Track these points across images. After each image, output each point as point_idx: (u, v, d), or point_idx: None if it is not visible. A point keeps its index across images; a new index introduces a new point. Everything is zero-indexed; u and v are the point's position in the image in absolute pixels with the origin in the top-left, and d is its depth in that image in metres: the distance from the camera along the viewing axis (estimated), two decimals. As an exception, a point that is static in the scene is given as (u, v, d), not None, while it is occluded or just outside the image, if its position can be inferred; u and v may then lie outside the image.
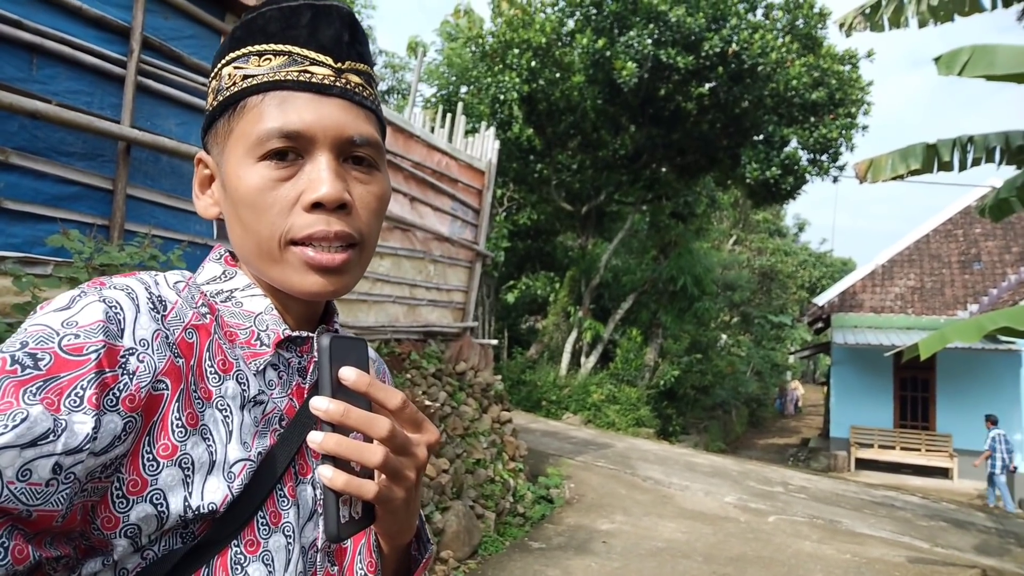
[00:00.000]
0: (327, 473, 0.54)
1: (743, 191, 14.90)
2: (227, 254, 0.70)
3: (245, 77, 0.63)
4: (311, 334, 0.68)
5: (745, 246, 25.71)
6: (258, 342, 0.66)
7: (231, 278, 0.68)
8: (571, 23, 12.42)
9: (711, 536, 6.35)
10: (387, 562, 0.72)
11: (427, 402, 5.48)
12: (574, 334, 14.83)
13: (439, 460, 5.48)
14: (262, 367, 0.65)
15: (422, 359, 6.25)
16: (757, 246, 25.84)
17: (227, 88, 0.64)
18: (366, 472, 0.57)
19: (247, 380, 0.63)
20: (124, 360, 0.54)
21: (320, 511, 0.66)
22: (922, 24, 5.72)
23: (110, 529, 0.53)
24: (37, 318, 0.55)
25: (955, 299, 13.92)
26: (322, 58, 0.63)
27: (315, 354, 0.68)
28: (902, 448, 13.57)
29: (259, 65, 0.63)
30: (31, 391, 0.49)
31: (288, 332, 0.67)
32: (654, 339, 15.55)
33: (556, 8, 12.44)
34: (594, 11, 11.82)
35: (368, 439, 0.57)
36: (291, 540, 0.63)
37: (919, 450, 13.44)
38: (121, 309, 0.56)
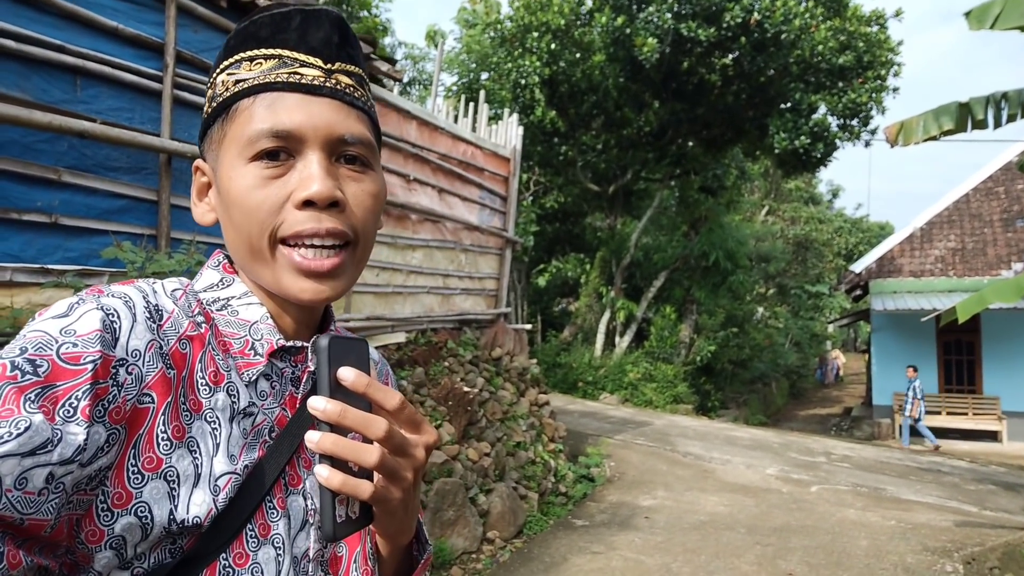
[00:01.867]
0: (324, 472, 0.54)
1: (772, 161, 14.68)
2: (225, 261, 0.70)
3: (237, 82, 0.64)
4: (305, 344, 0.68)
5: (778, 216, 25.30)
6: (252, 351, 0.65)
7: (228, 285, 0.68)
8: (589, 2, 12.32)
9: (753, 508, 6.39)
10: (386, 564, 0.72)
11: (465, 388, 5.61)
12: (607, 314, 14.85)
13: (480, 444, 5.62)
14: (255, 377, 0.65)
15: (458, 347, 6.38)
16: (790, 215, 25.39)
17: (220, 95, 0.65)
18: (364, 473, 0.57)
19: (238, 392, 0.63)
20: (115, 371, 0.54)
21: (312, 521, 0.66)
22: None
23: (95, 542, 0.53)
24: (36, 324, 0.55)
25: (998, 259, 13.54)
26: (312, 60, 0.64)
27: (310, 363, 0.67)
28: (948, 413, 13.32)
29: (250, 69, 0.64)
30: (30, 398, 0.49)
31: (282, 342, 0.66)
32: (688, 315, 15.48)
33: (573, -12, 12.35)
34: (611, -12, 11.72)
35: (366, 439, 0.57)
36: (281, 552, 0.63)
37: (966, 414, 13.19)
38: (118, 318, 0.56)
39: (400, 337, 5.78)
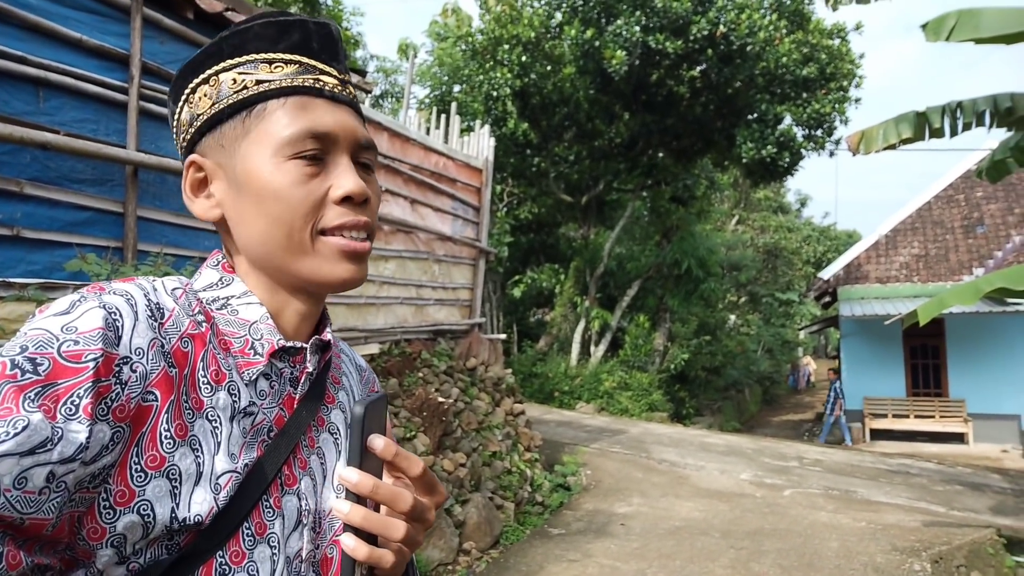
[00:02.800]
0: (350, 543, 0.58)
1: (741, 171, 14.95)
2: (224, 260, 0.70)
3: (258, 82, 0.66)
4: (304, 345, 0.69)
5: (748, 225, 25.70)
6: (252, 351, 0.66)
7: (228, 285, 0.68)
8: (559, 15, 12.48)
9: (728, 513, 6.45)
10: None
11: (440, 398, 5.59)
12: (582, 324, 14.93)
13: (456, 455, 5.60)
14: (255, 377, 0.65)
15: (432, 357, 6.37)
16: (760, 224, 25.81)
17: (235, 92, 0.66)
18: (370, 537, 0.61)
19: (238, 391, 0.64)
20: (118, 369, 0.54)
21: (305, 522, 0.67)
22: None
23: (96, 540, 0.53)
24: (37, 322, 0.55)
25: (960, 264, 13.91)
26: (329, 69, 0.69)
27: (308, 364, 0.69)
28: (916, 416, 13.60)
29: (271, 72, 0.66)
30: (30, 397, 0.49)
31: (282, 342, 0.67)
32: (662, 324, 15.62)
33: (543, 2, 12.50)
34: (580, 2, 11.88)
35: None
36: (276, 550, 0.63)
37: (933, 417, 13.47)
38: (120, 316, 0.56)
39: (374, 348, 5.75)
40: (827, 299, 15.84)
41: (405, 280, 6.24)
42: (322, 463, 0.71)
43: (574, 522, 6.13)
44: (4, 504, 0.46)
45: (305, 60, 0.67)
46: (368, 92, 5.48)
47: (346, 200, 0.66)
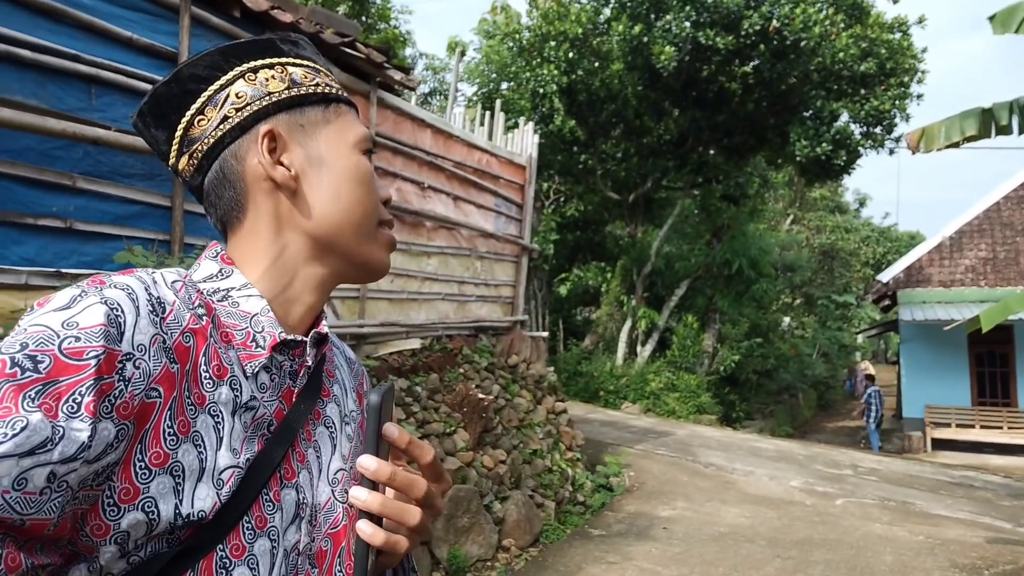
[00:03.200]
0: (367, 530, 0.59)
1: (795, 169, 14.51)
2: (223, 252, 0.71)
3: (325, 86, 0.74)
4: (305, 338, 0.69)
5: (803, 225, 24.96)
6: (253, 344, 0.66)
7: (227, 276, 0.68)
8: (607, 11, 12.34)
9: (775, 520, 6.25)
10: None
11: (480, 395, 5.58)
12: (628, 323, 14.74)
13: (496, 451, 5.58)
14: (256, 370, 0.65)
15: (474, 353, 6.37)
16: (816, 224, 25.04)
17: (312, 85, 0.73)
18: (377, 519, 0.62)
19: (240, 385, 0.63)
20: (121, 366, 0.53)
21: (302, 515, 0.67)
22: None
23: (100, 536, 0.53)
24: (36, 317, 0.54)
25: (1031, 268, 13.19)
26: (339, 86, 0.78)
27: (307, 358, 0.70)
28: (982, 426, 12.96)
29: (327, 78, 0.76)
30: (30, 396, 0.48)
31: (284, 335, 0.67)
32: (711, 325, 15.30)
33: (591, -2, 12.39)
34: (629, -3, 11.72)
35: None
36: (275, 544, 0.64)
37: (1001, 427, 12.81)
38: (122, 312, 0.55)
39: (415, 343, 5.78)
40: (887, 302, 15.24)
41: (447, 276, 6.25)
42: (318, 456, 0.71)
43: (615, 524, 6.03)
44: (3, 506, 0.45)
45: (331, 81, 0.77)
46: (411, 89, 5.51)
47: (386, 202, 0.76)
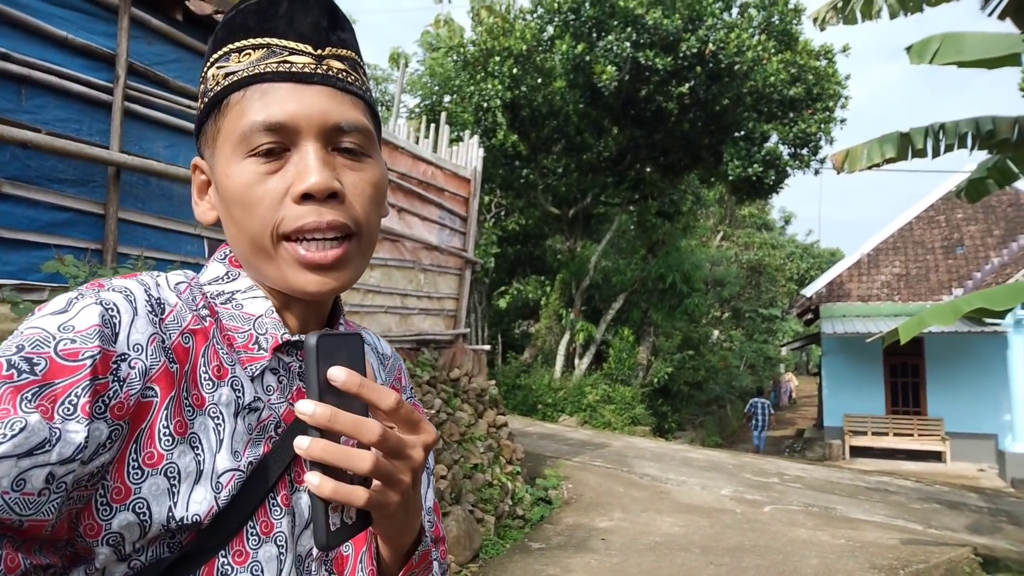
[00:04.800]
0: (314, 480, 0.51)
1: (727, 187, 15.09)
2: (231, 255, 0.68)
3: (227, 75, 0.62)
4: None
5: (732, 241, 25.88)
6: (256, 346, 0.64)
7: (233, 279, 0.66)
8: (550, 29, 12.57)
9: (708, 528, 6.45)
10: (390, 565, 0.68)
11: (422, 409, 5.55)
12: (567, 336, 14.93)
13: (437, 466, 5.55)
14: (259, 372, 0.63)
15: (416, 367, 6.32)
16: (744, 241, 26.01)
17: (211, 89, 0.63)
18: (360, 477, 0.54)
19: (242, 386, 0.61)
20: (116, 366, 0.53)
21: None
22: (893, 15, 5.78)
23: (92, 537, 0.52)
24: (33, 321, 0.54)
25: (940, 284, 14.11)
26: (301, 47, 0.62)
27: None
28: (895, 434, 13.72)
29: (239, 61, 0.62)
30: (27, 397, 0.48)
31: (287, 336, 0.65)
32: (646, 337, 15.67)
33: (535, 15, 12.59)
34: (572, 17, 11.98)
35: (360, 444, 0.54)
36: (283, 550, 0.61)
37: (912, 435, 13.60)
38: (118, 312, 0.55)
39: (356, 357, 5.69)
40: (809, 316, 15.99)
41: (390, 289, 6.20)
42: None
43: (555, 536, 6.09)
44: (3, 507, 0.45)
45: (274, 42, 0.62)
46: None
47: (307, 198, 0.59)
